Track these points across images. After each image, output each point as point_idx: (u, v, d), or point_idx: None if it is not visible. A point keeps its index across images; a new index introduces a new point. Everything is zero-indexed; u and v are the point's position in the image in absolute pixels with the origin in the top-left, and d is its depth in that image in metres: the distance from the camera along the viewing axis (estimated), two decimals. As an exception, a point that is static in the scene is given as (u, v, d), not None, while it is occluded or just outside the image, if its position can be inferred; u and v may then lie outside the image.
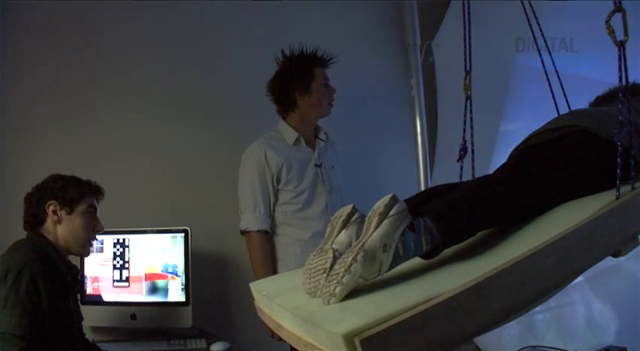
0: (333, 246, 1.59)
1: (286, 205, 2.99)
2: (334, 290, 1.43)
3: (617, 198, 1.72)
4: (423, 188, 3.53)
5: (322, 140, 3.13)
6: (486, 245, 1.73)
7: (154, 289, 3.12)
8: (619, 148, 1.73)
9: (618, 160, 1.72)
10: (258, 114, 3.32)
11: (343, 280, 1.43)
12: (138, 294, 3.12)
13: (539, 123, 2.24)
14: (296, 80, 2.99)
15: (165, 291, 3.11)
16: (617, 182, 1.72)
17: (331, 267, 1.52)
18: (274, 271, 2.93)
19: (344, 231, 1.62)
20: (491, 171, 2.13)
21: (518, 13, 2.62)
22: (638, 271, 3.12)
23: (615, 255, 1.73)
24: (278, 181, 2.97)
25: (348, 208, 1.65)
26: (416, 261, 1.62)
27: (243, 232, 2.97)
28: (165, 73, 3.49)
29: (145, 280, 3.12)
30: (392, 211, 1.52)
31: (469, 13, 2.49)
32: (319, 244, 2.85)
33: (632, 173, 1.78)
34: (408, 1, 3.53)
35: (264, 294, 1.76)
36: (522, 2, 2.60)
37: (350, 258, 1.44)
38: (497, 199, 1.75)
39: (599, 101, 2.54)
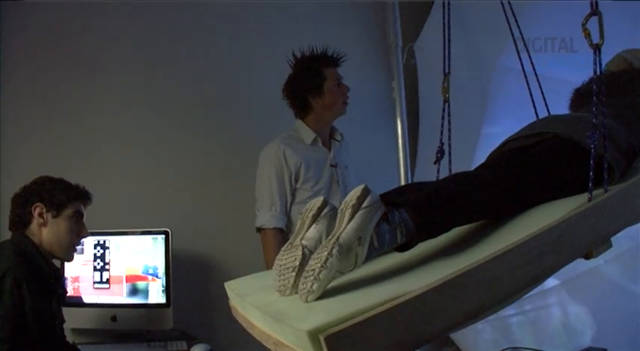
0: (303, 242, 1.57)
1: (303, 204, 2.91)
2: (312, 287, 1.42)
3: (589, 200, 1.73)
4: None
5: (338, 141, 3.14)
6: (458, 243, 1.73)
7: (134, 291, 3.11)
8: (592, 151, 1.74)
9: (591, 162, 1.73)
10: (242, 116, 3.34)
11: (320, 275, 1.41)
12: (118, 296, 3.11)
13: (520, 125, 2.26)
14: (308, 83, 3.00)
15: (145, 293, 3.10)
16: (590, 185, 1.73)
17: (301, 264, 1.52)
18: None
19: (314, 226, 1.60)
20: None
21: (501, 15, 2.64)
22: (615, 274, 3.13)
23: (587, 257, 1.74)
24: (296, 180, 2.97)
25: (319, 202, 1.64)
26: (387, 257, 1.61)
27: (258, 230, 2.96)
28: (150, 75, 3.50)
29: (126, 281, 3.11)
30: (365, 203, 1.51)
31: (449, 15, 2.50)
32: None
33: (605, 176, 1.78)
34: (391, 4, 3.54)
35: (236, 293, 1.76)
36: (502, 4, 2.61)
37: (325, 253, 1.42)
38: (473, 196, 1.76)
39: (577, 99, 2.58)
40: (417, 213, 1.59)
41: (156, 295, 3.09)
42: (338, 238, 1.45)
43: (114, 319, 3.09)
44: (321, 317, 1.29)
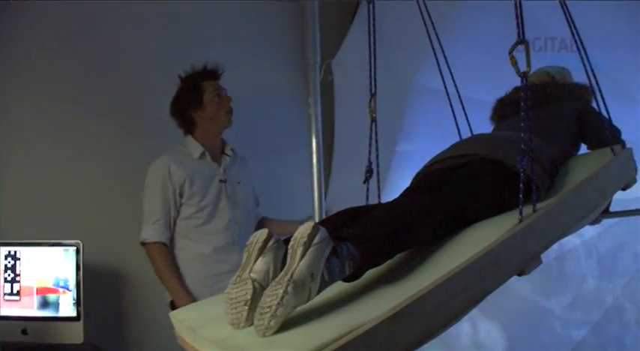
0: (252, 275, 1.59)
1: (188, 219, 2.96)
2: (270, 323, 1.44)
3: (520, 221, 1.80)
4: (317, 206, 3.54)
5: (228, 155, 3.11)
6: (400, 268, 1.77)
7: (45, 304, 2.99)
8: (521, 175, 1.81)
9: (521, 185, 1.80)
10: (158, 129, 3.26)
11: (277, 312, 1.44)
12: (29, 308, 2.98)
13: (436, 144, 2.31)
14: (188, 98, 3.01)
15: (56, 305, 2.99)
16: (520, 206, 1.80)
17: (252, 298, 1.54)
18: (180, 279, 2.91)
19: (261, 258, 1.62)
20: (388, 191, 2.17)
21: (420, 33, 2.68)
22: (526, 290, 3.24)
23: (520, 274, 1.82)
24: (181, 195, 2.95)
25: (264, 234, 1.65)
26: (335, 285, 1.63)
27: (143, 244, 2.94)
28: (66, 82, 3.35)
29: (37, 294, 2.99)
30: (315, 240, 1.54)
31: (374, 34, 2.53)
32: (220, 258, 2.88)
33: (534, 197, 1.86)
34: (311, 20, 3.56)
35: (187, 325, 1.72)
36: (424, 21, 2.66)
37: (281, 290, 1.45)
38: (412, 224, 1.80)
39: (500, 109, 2.67)
40: (363, 246, 1.65)
41: (66, 308, 2.98)
42: (292, 275, 1.48)
43: (24, 332, 2.96)
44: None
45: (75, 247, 3.00)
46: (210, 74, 3.05)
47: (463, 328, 3.43)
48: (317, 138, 3.29)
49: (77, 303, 2.97)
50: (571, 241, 3.91)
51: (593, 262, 4.11)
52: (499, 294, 3.14)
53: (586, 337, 3.93)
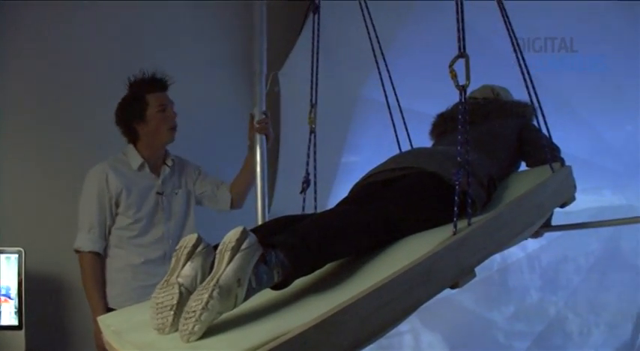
0: (179, 280, 1.56)
1: (122, 230, 2.93)
2: (194, 328, 1.42)
3: (454, 234, 1.81)
4: (260, 217, 3.52)
5: (168, 166, 3.08)
6: (333, 278, 1.76)
7: (-14, 312, 2.95)
8: (457, 187, 1.82)
9: (456, 198, 1.81)
10: (103, 133, 3.20)
11: (202, 317, 1.42)
12: (-29, 317, 2.96)
13: (380, 156, 2.31)
14: (131, 110, 2.96)
15: (-3, 314, 2.95)
16: (455, 219, 1.81)
17: (178, 303, 1.51)
18: (104, 294, 2.88)
19: (189, 263, 1.59)
20: (331, 202, 2.17)
21: (366, 46, 2.70)
22: (469, 302, 3.26)
23: (453, 287, 1.82)
24: (117, 205, 2.92)
25: (193, 238, 1.62)
26: (264, 293, 1.61)
27: (76, 251, 2.90)
28: (5, 87, 3.32)
29: (-22, 302, 2.95)
30: (244, 245, 1.52)
31: (318, 46, 2.54)
32: (150, 270, 2.85)
33: (469, 210, 1.87)
34: (259, 30, 3.54)
35: (112, 329, 1.69)
36: (369, 35, 2.68)
37: (206, 295, 1.43)
38: (344, 233, 1.80)
39: (442, 124, 2.69)
40: (293, 254, 1.63)
41: (8, 316, 2.96)
42: (218, 280, 1.46)
43: (-34, 341, 2.92)
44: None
45: (17, 255, 2.97)
46: (157, 86, 2.98)
47: (405, 339, 3.44)
48: (262, 148, 3.25)
49: (19, 311, 2.95)
50: (514, 253, 3.96)
51: (536, 274, 4.17)
52: (442, 305, 3.21)
53: (529, 349, 3.98)
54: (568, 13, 3.22)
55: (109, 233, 2.93)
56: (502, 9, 2.29)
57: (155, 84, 2.97)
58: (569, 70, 2.93)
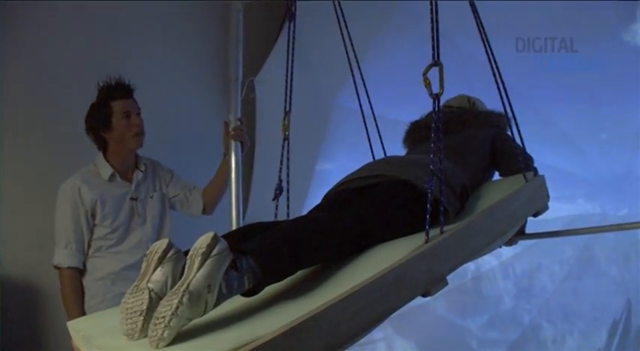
0: (149, 285, 1.54)
1: (101, 240, 2.92)
2: (163, 334, 1.41)
3: (426, 242, 1.82)
4: (235, 223, 3.52)
5: (141, 171, 3.06)
6: (305, 285, 1.76)
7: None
8: (429, 195, 1.82)
9: (428, 206, 1.81)
10: (78, 141, 3.18)
11: (171, 323, 1.41)
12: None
13: (355, 163, 2.32)
14: (97, 117, 2.94)
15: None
16: (427, 227, 1.82)
17: (148, 308, 1.50)
18: (83, 309, 2.85)
19: (160, 268, 1.57)
20: (306, 209, 2.17)
21: (342, 54, 2.70)
22: (443, 309, 3.26)
23: (425, 295, 1.82)
24: (93, 216, 2.90)
25: (164, 244, 1.61)
26: (235, 299, 1.60)
27: (56, 268, 2.88)
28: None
29: (-50, 313, 2.91)
30: (214, 251, 1.51)
31: (293, 53, 2.54)
32: (128, 276, 2.83)
33: (441, 218, 1.88)
34: (235, 36, 3.54)
35: (82, 335, 1.67)
36: (345, 43, 2.69)
37: (176, 300, 1.42)
38: (315, 240, 1.79)
39: (416, 131, 2.70)
40: (264, 260, 1.62)
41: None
42: (188, 285, 1.45)
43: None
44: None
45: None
46: (121, 92, 2.95)
47: (378, 347, 3.44)
48: (237, 155, 3.25)
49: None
50: (488, 261, 3.98)
51: (510, 282, 4.18)
52: (415, 313, 3.21)
53: (503, 356, 4.00)
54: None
55: (89, 246, 2.91)
56: (476, 16, 2.29)
57: (119, 90, 2.95)
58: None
